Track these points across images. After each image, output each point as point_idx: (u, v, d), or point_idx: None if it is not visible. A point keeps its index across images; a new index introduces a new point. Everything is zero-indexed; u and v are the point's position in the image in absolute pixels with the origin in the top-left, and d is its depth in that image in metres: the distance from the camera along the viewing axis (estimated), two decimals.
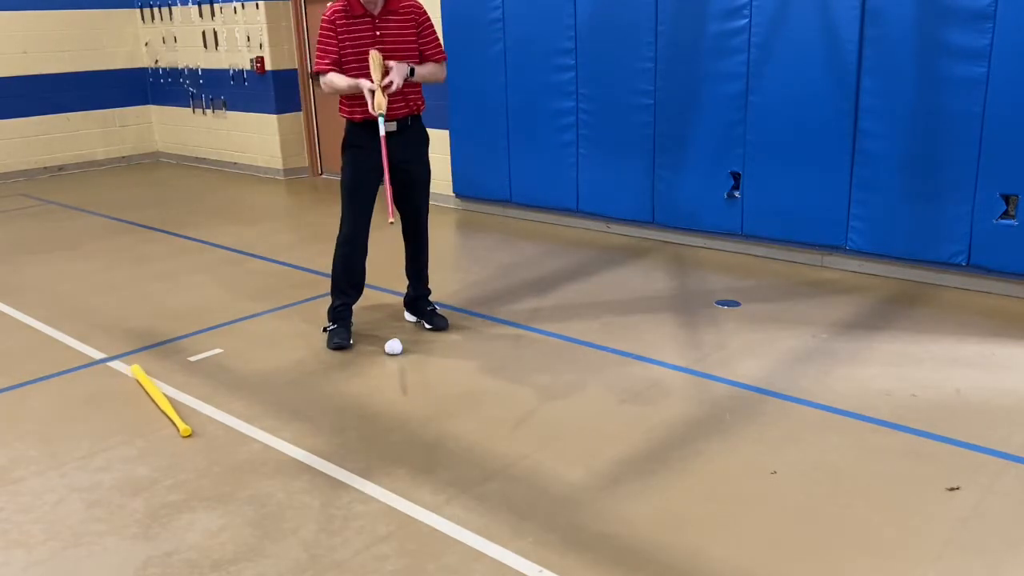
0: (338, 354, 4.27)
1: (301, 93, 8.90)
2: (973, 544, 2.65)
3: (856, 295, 4.88)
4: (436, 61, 4.22)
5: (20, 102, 9.18)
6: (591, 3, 6.00)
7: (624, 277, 5.36)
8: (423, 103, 4.25)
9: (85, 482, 3.17)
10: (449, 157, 7.18)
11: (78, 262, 6.08)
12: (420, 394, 3.85)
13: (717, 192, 5.72)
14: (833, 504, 2.89)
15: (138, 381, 3.99)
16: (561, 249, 6.02)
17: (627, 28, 5.86)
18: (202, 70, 9.39)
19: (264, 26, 8.56)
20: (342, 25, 4.02)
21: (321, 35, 4.07)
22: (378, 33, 4.05)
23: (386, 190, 4.02)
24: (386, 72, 3.99)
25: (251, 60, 8.76)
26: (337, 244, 4.31)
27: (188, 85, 9.60)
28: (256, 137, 9.10)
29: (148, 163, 10.23)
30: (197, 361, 4.25)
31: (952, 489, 2.94)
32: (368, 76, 4.00)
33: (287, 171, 8.99)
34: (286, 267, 5.79)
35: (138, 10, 9.82)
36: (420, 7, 4.16)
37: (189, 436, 3.47)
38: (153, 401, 3.79)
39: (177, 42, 9.54)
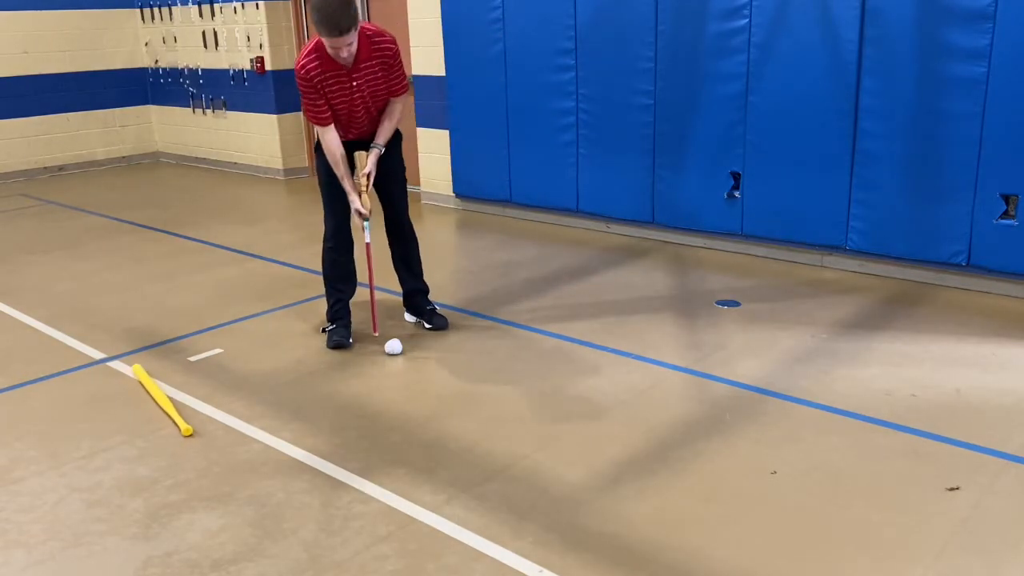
0: (338, 354, 4.27)
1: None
2: (973, 544, 2.65)
3: (856, 295, 4.88)
4: (396, 94, 4.15)
5: (20, 102, 9.18)
6: (591, 3, 6.00)
7: (624, 277, 5.36)
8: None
9: (85, 482, 3.17)
10: (449, 157, 7.18)
11: (78, 262, 6.08)
12: (420, 394, 3.85)
13: (717, 192, 5.72)
14: (833, 504, 2.89)
15: (139, 381, 3.99)
16: (561, 249, 6.02)
17: (627, 28, 5.86)
18: (202, 70, 9.39)
19: (264, 26, 8.56)
20: (319, 80, 3.94)
21: (304, 93, 3.98)
22: (354, 84, 4.01)
23: (371, 303, 4.17)
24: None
25: (251, 60, 8.76)
26: (324, 240, 4.35)
27: (188, 85, 9.60)
28: (256, 137, 9.10)
29: (148, 163, 10.23)
30: (197, 361, 4.25)
31: (952, 489, 2.94)
32: (349, 123, 4.08)
33: (287, 171, 8.99)
34: (286, 267, 5.79)
35: (138, 10, 9.82)
36: (391, 48, 4.04)
37: (190, 436, 3.47)
38: (154, 401, 3.79)
39: (177, 42, 9.54)
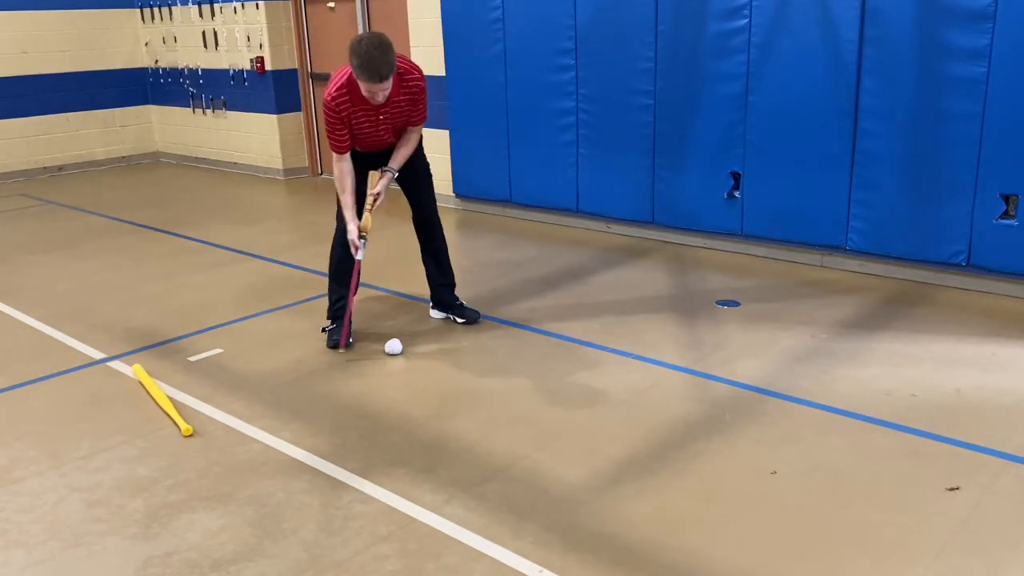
0: (338, 354, 4.27)
1: (301, 93, 8.90)
2: (973, 544, 2.65)
3: (856, 295, 4.88)
4: (415, 124, 4.21)
5: (20, 102, 9.19)
6: (591, 3, 6.00)
7: (624, 277, 5.36)
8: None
9: (85, 482, 3.17)
10: (449, 157, 7.18)
11: (78, 262, 6.08)
12: (420, 394, 3.85)
13: (717, 192, 5.72)
14: (833, 504, 2.89)
15: (139, 381, 3.99)
16: (561, 249, 6.02)
17: (627, 28, 5.86)
18: (202, 70, 9.40)
19: (264, 26, 8.56)
20: (346, 112, 4.00)
21: (329, 122, 4.02)
22: (380, 117, 4.08)
23: (348, 317, 4.23)
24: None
25: (251, 60, 8.76)
26: (335, 238, 4.33)
27: (188, 85, 9.60)
28: (256, 137, 9.10)
29: (148, 163, 10.23)
30: (197, 361, 4.25)
31: (952, 489, 2.94)
32: (369, 143, 4.13)
33: (287, 171, 8.99)
34: (286, 267, 5.79)
35: (138, 10, 9.83)
36: (420, 84, 4.10)
37: (190, 436, 3.47)
38: (154, 401, 3.79)
39: (177, 42, 9.54)
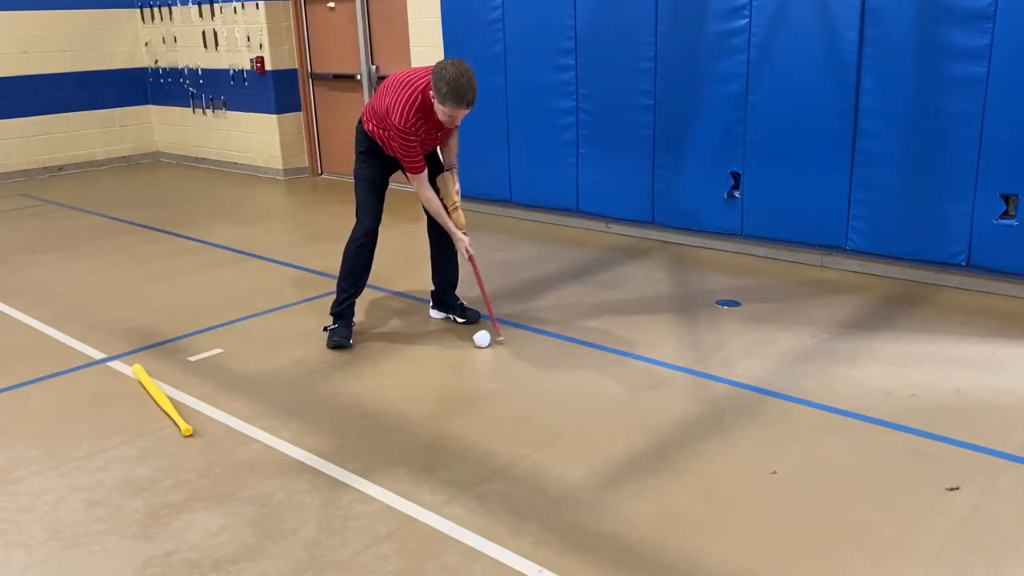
0: (338, 354, 4.27)
1: (301, 93, 8.90)
2: (973, 544, 2.65)
3: (856, 295, 4.88)
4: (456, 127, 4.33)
5: (20, 102, 9.18)
6: (591, 3, 6.00)
7: (624, 277, 5.36)
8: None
9: (85, 482, 3.17)
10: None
11: (78, 262, 6.08)
12: (420, 394, 3.84)
13: (717, 192, 5.72)
14: (833, 504, 2.89)
15: (139, 381, 3.99)
16: (561, 249, 6.02)
17: (627, 28, 5.86)
18: (202, 70, 9.40)
19: (264, 26, 8.56)
20: (421, 129, 4.09)
21: (408, 148, 4.09)
22: (439, 134, 4.22)
23: (488, 307, 4.40)
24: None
25: (251, 60, 8.76)
26: (354, 238, 4.34)
27: (188, 85, 9.60)
28: (256, 137, 9.11)
29: (148, 163, 10.23)
30: (197, 361, 4.25)
31: (952, 489, 2.94)
32: (426, 154, 4.25)
33: (287, 171, 8.99)
34: (286, 267, 5.79)
35: (138, 10, 9.82)
36: None
37: (190, 436, 3.47)
38: (154, 401, 3.79)
39: (177, 42, 9.54)
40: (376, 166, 4.32)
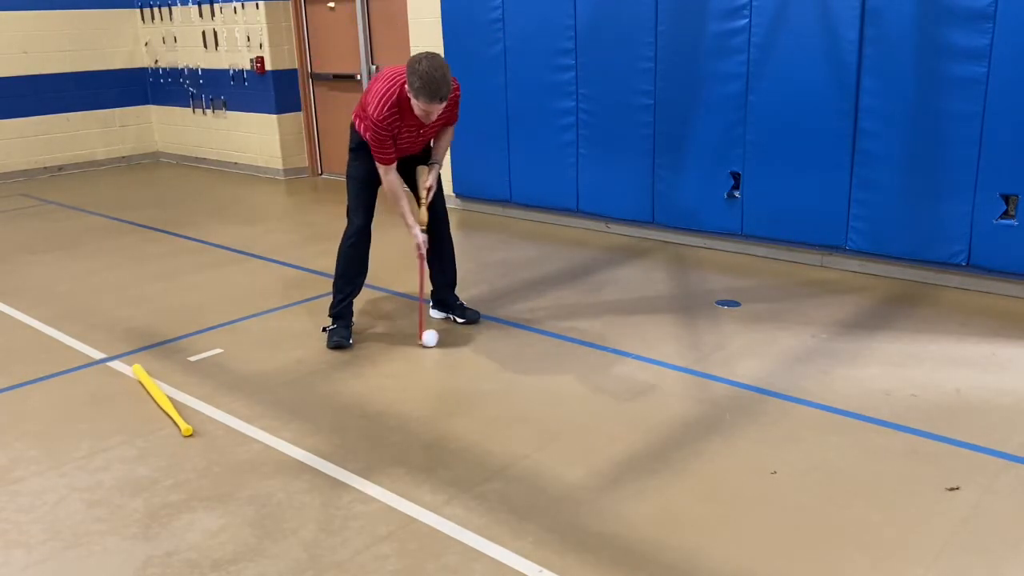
0: (338, 354, 4.27)
1: (301, 93, 8.90)
2: (973, 544, 2.65)
3: (856, 295, 4.88)
4: (450, 123, 4.33)
5: (20, 102, 9.18)
6: (591, 3, 6.00)
7: (624, 277, 5.36)
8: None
9: (85, 482, 3.17)
10: (449, 157, 7.17)
11: (78, 262, 6.08)
12: (420, 394, 3.85)
13: (717, 192, 5.72)
14: (833, 504, 2.89)
15: (139, 381, 3.99)
16: (561, 249, 6.02)
17: (627, 28, 5.86)
18: (202, 70, 9.40)
19: (264, 26, 8.56)
20: (396, 128, 4.05)
21: (379, 139, 4.05)
22: (421, 130, 4.16)
23: (419, 313, 4.36)
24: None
25: (251, 60, 8.76)
26: (346, 236, 4.34)
27: (188, 85, 9.60)
28: (256, 137, 9.11)
29: (148, 163, 10.23)
30: (197, 361, 4.25)
31: (952, 489, 2.94)
32: (405, 149, 4.19)
33: (287, 171, 8.99)
34: (286, 267, 5.79)
35: (138, 10, 9.82)
36: (457, 95, 4.20)
37: (190, 436, 3.47)
38: (154, 401, 3.79)
39: (177, 42, 9.54)
40: (366, 164, 4.28)
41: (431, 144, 4.39)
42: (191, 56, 9.45)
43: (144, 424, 3.60)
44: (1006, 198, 4.64)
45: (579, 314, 4.72)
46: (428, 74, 3.80)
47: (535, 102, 6.47)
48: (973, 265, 4.82)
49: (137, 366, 4.11)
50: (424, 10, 7.11)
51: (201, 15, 9.13)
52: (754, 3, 5.26)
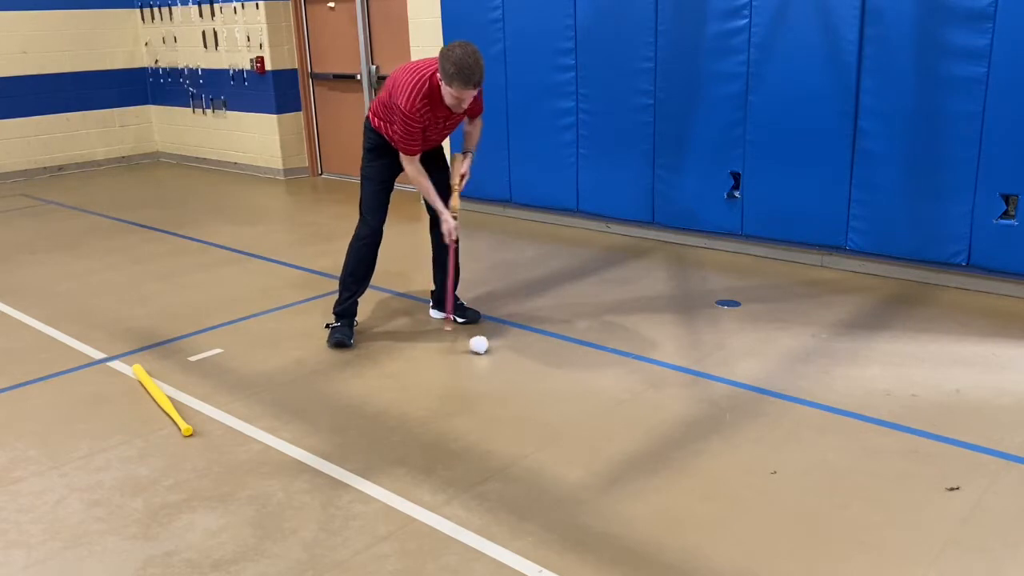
0: (338, 354, 4.27)
1: (301, 93, 8.90)
2: (973, 544, 2.65)
3: (856, 295, 4.88)
4: (477, 114, 4.34)
5: (20, 102, 9.18)
6: (591, 3, 6.00)
7: (624, 277, 5.36)
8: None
9: (85, 482, 3.17)
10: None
11: (78, 262, 6.08)
12: (420, 394, 3.85)
13: (717, 192, 5.72)
14: (833, 504, 2.89)
15: (139, 381, 3.99)
16: (561, 249, 6.02)
17: (627, 28, 5.86)
18: (202, 70, 9.40)
19: (264, 26, 8.56)
20: (427, 117, 4.05)
21: (409, 131, 4.05)
22: (447, 122, 4.18)
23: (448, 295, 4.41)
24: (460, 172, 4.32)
25: (251, 60, 8.76)
26: (359, 236, 4.34)
27: (188, 85, 9.60)
28: (256, 137, 9.11)
29: (148, 163, 10.23)
30: (197, 361, 4.25)
31: (952, 489, 2.94)
32: (429, 141, 4.21)
33: (287, 171, 8.99)
34: (286, 267, 5.79)
35: (138, 10, 9.82)
36: (481, 86, 4.18)
37: (190, 436, 3.47)
38: (154, 401, 3.79)
39: (177, 42, 9.54)
40: (383, 165, 4.30)
41: (444, 148, 4.39)
42: (191, 56, 9.45)
43: (144, 424, 3.60)
44: (1006, 198, 4.64)
45: (579, 314, 4.72)
46: (462, 60, 3.82)
47: (535, 102, 6.47)
48: (973, 265, 4.82)
49: (137, 366, 4.11)
50: (424, 10, 7.11)
51: (201, 15, 9.13)
52: (754, 3, 5.26)
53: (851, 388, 3.71)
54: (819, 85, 5.12)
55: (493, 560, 2.64)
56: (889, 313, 4.60)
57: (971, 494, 2.90)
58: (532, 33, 6.36)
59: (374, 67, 8.15)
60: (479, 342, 4.22)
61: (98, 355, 4.36)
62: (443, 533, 2.79)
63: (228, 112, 9.29)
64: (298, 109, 8.94)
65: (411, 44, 7.29)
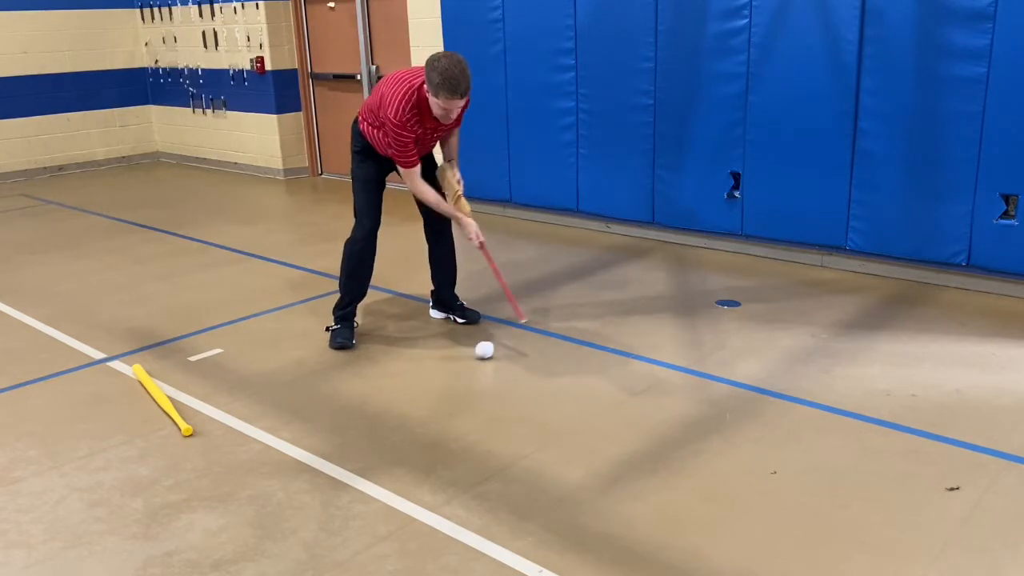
0: (338, 354, 4.27)
1: (301, 93, 8.90)
2: (973, 544, 2.65)
3: (856, 295, 4.88)
4: (458, 124, 4.35)
5: (20, 102, 9.19)
6: (591, 3, 6.00)
7: (624, 277, 5.36)
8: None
9: (85, 482, 3.17)
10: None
11: (78, 262, 6.08)
12: (420, 394, 3.84)
13: (717, 192, 5.72)
14: (833, 504, 2.89)
15: (139, 381, 3.99)
16: (561, 249, 6.02)
17: (627, 28, 5.86)
18: (202, 70, 9.40)
19: (264, 26, 8.56)
20: (416, 127, 4.06)
21: (402, 143, 4.04)
22: (435, 133, 4.20)
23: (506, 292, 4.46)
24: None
25: (251, 60, 8.76)
26: (354, 239, 4.33)
27: (188, 85, 9.60)
28: (256, 137, 9.11)
29: (148, 163, 10.23)
30: (197, 361, 4.25)
31: (952, 489, 2.94)
32: (423, 155, 4.25)
33: (287, 171, 8.99)
34: (286, 267, 5.79)
35: (138, 10, 9.83)
36: (469, 97, 4.17)
37: (190, 436, 3.47)
38: (154, 401, 3.79)
39: (177, 42, 9.55)
40: (372, 166, 4.30)
41: (433, 151, 4.41)
42: (191, 56, 9.45)
43: (144, 424, 3.60)
44: (1006, 198, 4.65)
45: (579, 314, 4.72)
46: (448, 70, 3.81)
47: (535, 102, 6.47)
48: (973, 265, 4.82)
49: (137, 366, 4.11)
50: (424, 10, 7.11)
51: (201, 15, 9.13)
52: (754, 3, 5.26)
53: (851, 388, 3.71)
54: (819, 85, 5.12)
55: (493, 560, 2.65)
56: (889, 313, 4.61)
57: (971, 494, 2.90)
58: (532, 33, 6.36)
59: (374, 67, 8.15)
60: (485, 347, 4.20)
61: (98, 355, 4.36)
62: (443, 533, 2.79)
63: (228, 112, 9.30)
64: (298, 109, 8.94)
65: (411, 44, 7.29)
